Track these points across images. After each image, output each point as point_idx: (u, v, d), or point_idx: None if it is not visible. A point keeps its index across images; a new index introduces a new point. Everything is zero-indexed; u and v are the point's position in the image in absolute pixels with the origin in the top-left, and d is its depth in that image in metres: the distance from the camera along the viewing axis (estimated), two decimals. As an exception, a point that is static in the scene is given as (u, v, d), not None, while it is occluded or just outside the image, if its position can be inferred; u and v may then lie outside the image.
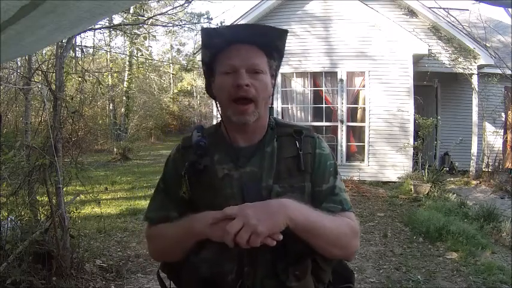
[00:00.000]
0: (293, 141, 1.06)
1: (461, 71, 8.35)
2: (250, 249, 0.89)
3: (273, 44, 1.06)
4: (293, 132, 1.08)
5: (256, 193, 0.99)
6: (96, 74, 4.98)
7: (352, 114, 8.49)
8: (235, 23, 8.44)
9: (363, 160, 8.26)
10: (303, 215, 0.92)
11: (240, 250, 0.90)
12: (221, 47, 1.04)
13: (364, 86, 8.25)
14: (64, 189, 3.43)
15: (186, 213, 1.02)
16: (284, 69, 8.27)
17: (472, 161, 8.47)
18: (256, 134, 1.08)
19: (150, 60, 20.15)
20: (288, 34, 1.08)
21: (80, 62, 4.18)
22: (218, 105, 1.09)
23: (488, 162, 8.47)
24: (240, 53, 1.02)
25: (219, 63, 1.05)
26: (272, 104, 1.12)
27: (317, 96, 8.59)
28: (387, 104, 8.03)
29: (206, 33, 1.04)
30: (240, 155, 1.05)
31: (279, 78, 5.57)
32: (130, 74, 15.80)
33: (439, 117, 8.12)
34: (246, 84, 0.99)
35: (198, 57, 9.31)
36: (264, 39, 1.04)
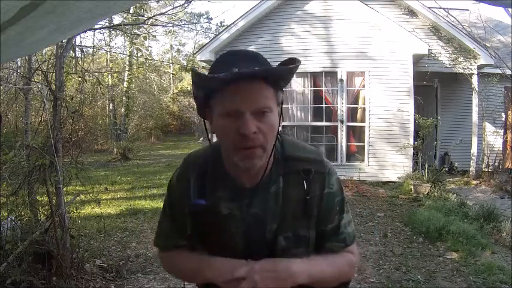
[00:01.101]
0: (301, 181, 0.99)
1: (461, 71, 8.34)
2: None
3: (281, 77, 0.94)
4: (301, 171, 0.99)
5: (260, 236, 0.99)
6: (96, 74, 4.98)
7: (352, 114, 8.48)
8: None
9: (363, 160, 8.26)
10: (308, 276, 0.95)
11: None
12: (218, 87, 0.89)
13: (364, 86, 8.25)
14: (64, 189, 3.44)
15: (193, 242, 1.06)
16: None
17: (472, 161, 8.46)
18: (261, 172, 0.98)
19: (150, 60, 20.16)
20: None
21: (80, 62, 4.18)
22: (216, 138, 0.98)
23: (488, 162, 8.45)
24: (243, 93, 0.87)
25: (217, 103, 0.91)
26: (280, 125, 0.99)
27: (317, 96, 8.58)
28: (387, 104, 8.03)
29: (198, 77, 0.89)
30: (244, 195, 0.99)
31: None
32: (130, 74, 15.80)
33: (439, 117, 8.11)
34: (253, 132, 0.87)
35: (198, 57, 9.30)
36: (271, 76, 0.92)
